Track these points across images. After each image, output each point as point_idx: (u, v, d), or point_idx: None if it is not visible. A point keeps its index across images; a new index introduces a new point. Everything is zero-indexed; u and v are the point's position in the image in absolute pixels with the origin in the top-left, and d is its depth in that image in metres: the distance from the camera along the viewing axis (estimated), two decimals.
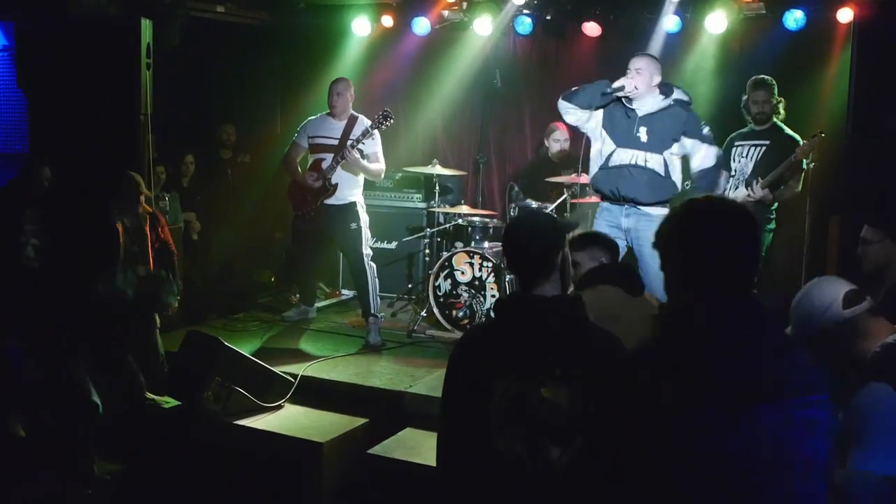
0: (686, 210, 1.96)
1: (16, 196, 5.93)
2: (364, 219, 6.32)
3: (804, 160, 5.70)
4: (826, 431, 1.85)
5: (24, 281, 5.50)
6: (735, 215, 1.92)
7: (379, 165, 6.37)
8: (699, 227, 1.91)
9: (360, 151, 6.20)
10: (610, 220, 5.10)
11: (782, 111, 5.93)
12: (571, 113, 5.21)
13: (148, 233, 5.62)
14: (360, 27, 7.77)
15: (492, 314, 2.47)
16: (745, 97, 5.99)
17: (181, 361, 5.22)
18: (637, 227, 5.02)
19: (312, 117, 6.51)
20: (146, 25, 5.96)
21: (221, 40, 7.78)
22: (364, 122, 6.28)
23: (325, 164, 6.22)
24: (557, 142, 7.11)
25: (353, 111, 6.37)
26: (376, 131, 6.20)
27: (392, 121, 6.23)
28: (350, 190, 6.29)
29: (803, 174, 5.81)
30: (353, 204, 6.29)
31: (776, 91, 5.89)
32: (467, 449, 2.34)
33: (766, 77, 5.93)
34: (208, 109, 8.03)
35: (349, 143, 6.13)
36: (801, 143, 5.76)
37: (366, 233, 6.31)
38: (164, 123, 6.48)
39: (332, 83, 6.36)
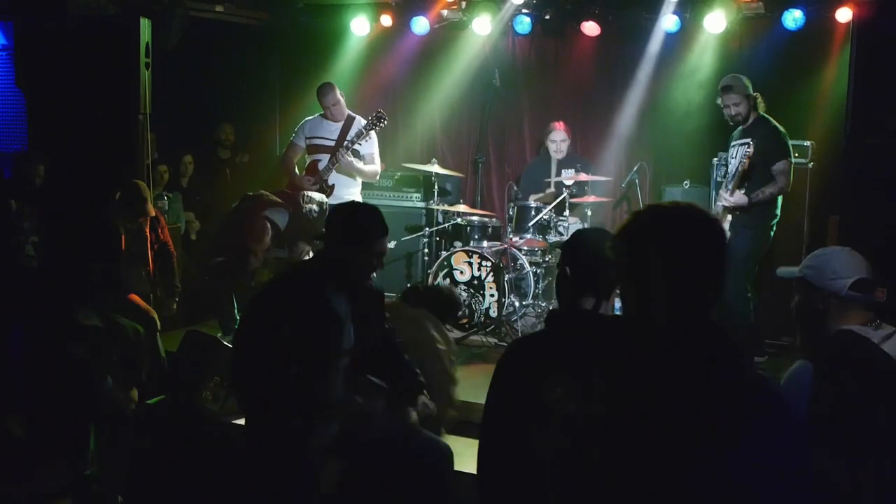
0: (657, 215, 1.83)
1: (13, 194, 5.92)
2: None
3: (779, 154, 5.49)
4: (782, 482, 1.67)
5: (25, 279, 5.49)
6: (707, 223, 1.80)
7: (374, 167, 6.39)
8: (672, 233, 1.77)
9: (356, 153, 6.21)
10: None
11: (761, 104, 5.62)
12: None
13: (147, 233, 5.62)
14: (359, 27, 7.76)
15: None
16: (718, 100, 5.73)
17: (180, 361, 5.22)
18: None
19: (310, 117, 6.52)
20: (145, 25, 5.95)
21: (220, 40, 7.78)
22: (361, 122, 6.29)
23: (321, 165, 6.24)
24: (554, 142, 7.11)
25: (349, 111, 6.38)
26: (372, 132, 6.22)
27: (385, 122, 6.25)
28: (348, 189, 6.30)
29: (789, 167, 5.52)
30: None
31: (749, 87, 5.60)
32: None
33: (732, 77, 5.67)
34: (207, 109, 8.03)
35: (344, 144, 6.16)
36: (782, 134, 5.57)
37: None
38: (162, 123, 6.48)
39: (320, 93, 6.33)
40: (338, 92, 6.36)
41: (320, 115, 6.45)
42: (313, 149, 6.35)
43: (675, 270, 1.74)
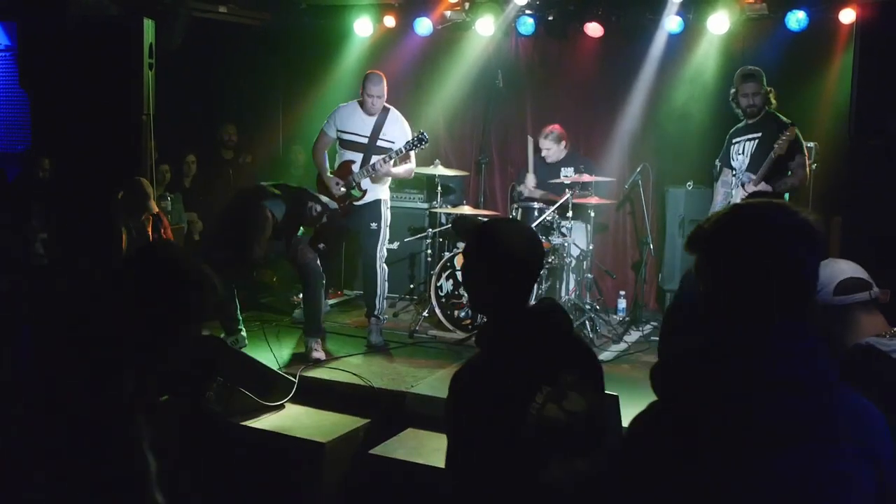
0: (749, 218, 1.66)
1: (21, 192, 5.95)
2: (386, 217, 6.22)
3: (794, 149, 5.51)
4: (862, 493, 1.50)
5: (34, 277, 5.50)
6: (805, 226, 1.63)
7: (409, 166, 6.26)
8: (765, 240, 1.59)
9: (387, 150, 6.09)
10: None
11: (773, 101, 5.70)
12: None
13: (150, 233, 5.64)
14: (362, 28, 7.77)
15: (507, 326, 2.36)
16: (733, 91, 5.77)
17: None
18: None
19: (343, 104, 6.31)
20: (148, 25, 5.96)
21: (223, 41, 7.79)
22: (395, 116, 6.13)
23: (354, 168, 6.10)
24: (548, 147, 7.12)
25: (385, 103, 6.19)
26: (402, 119, 6.11)
27: (427, 143, 6.09)
28: (377, 187, 6.19)
29: (805, 160, 5.58)
30: (378, 202, 6.19)
31: (765, 81, 5.68)
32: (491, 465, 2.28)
33: (753, 68, 5.74)
34: (210, 110, 8.04)
35: (380, 160, 6.00)
36: (790, 124, 5.58)
37: (384, 233, 6.20)
38: (166, 123, 6.48)
39: (368, 80, 6.10)
40: (384, 85, 6.12)
41: (355, 101, 6.25)
42: (345, 144, 6.17)
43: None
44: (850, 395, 1.57)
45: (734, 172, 5.75)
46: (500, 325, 2.36)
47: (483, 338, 2.42)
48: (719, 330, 1.62)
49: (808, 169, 5.59)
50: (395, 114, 6.19)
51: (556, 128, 7.13)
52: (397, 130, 6.16)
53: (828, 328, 2.45)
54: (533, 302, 2.48)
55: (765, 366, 1.53)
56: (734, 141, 5.79)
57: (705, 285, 1.65)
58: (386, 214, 6.23)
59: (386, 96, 6.16)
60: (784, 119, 5.61)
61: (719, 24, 6.69)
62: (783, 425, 1.49)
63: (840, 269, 2.52)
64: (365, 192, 6.14)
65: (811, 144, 6.34)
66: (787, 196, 5.60)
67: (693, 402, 1.56)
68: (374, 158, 6.07)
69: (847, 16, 6.36)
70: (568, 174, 6.85)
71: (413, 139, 6.05)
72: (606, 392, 3.86)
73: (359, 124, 6.16)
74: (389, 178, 6.31)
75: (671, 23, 6.89)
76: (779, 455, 1.48)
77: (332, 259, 6.77)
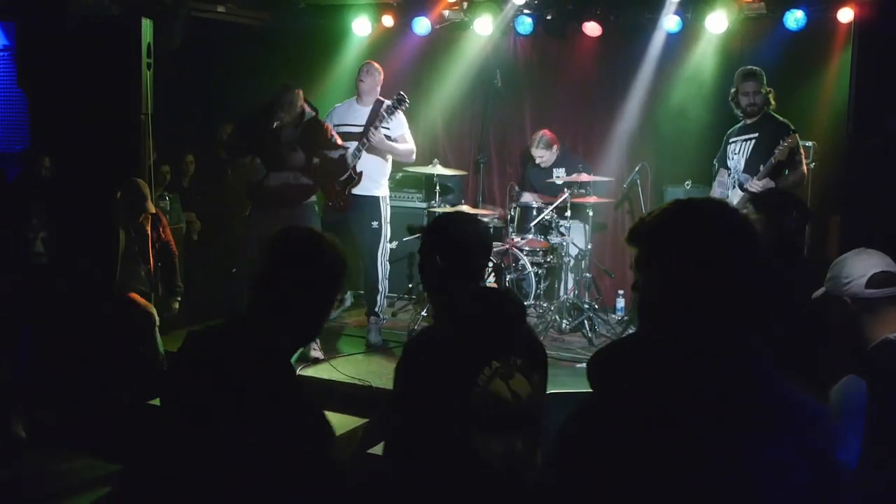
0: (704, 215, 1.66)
1: (21, 191, 5.94)
2: (386, 215, 6.21)
3: (793, 153, 5.51)
4: (797, 483, 1.51)
5: (35, 276, 5.50)
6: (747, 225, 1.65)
7: (408, 146, 6.23)
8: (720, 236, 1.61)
9: (387, 136, 6.07)
10: None
11: (773, 101, 5.67)
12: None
13: (149, 233, 5.64)
14: (361, 27, 7.77)
15: (455, 310, 2.55)
16: (733, 90, 5.73)
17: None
18: None
19: (339, 104, 6.40)
20: (147, 25, 5.96)
21: (222, 40, 7.79)
22: (387, 103, 6.12)
23: (349, 153, 6.00)
24: (541, 154, 7.13)
25: (379, 96, 6.23)
26: (399, 112, 6.06)
27: (407, 104, 6.04)
28: (375, 182, 6.15)
29: (803, 159, 5.56)
30: (377, 199, 6.17)
31: (765, 81, 5.65)
32: (444, 449, 2.36)
33: (754, 67, 5.71)
34: (209, 109, 8.03)
35: (374, 125, 5.96)
36: (791, 127, 5.58)
37: (385, 231, 6.19)
38: (164, 123, 6.48)
39: (363, 70, 6.27)
40: (378, 75, 6.22)
41: (349, 100, 6.31)
42: (343, 136, 6.11)
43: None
44: (791, 391, 1.59)
45: (730, 173, 5.75)
46: (452, 304, 2.54)
47: (437, 317, 2.71)
48: (654, 321, 1.65)
49: (805, 167, 5.60)
50: (388, 102, 6.12)
51: (545, 132, 7.15)
52: (392, 118, 6.10)
53: (855, 319, 2.47)
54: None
55: (700, 359, 1.55)
56: (731, 141, 5.78)
57: (642, 277, 1.67)
58: (386, 212, 6.22)
59: (379, 88, 6.21)
60: (781, 119, 5.59)
61: (718, 23, 6.69)
62: (721, 413, 1.51)
63: (873, 262, 2.53)
64: (360, 173, 6.03)
65: (810, 143, 6.35)
66: None
67: (631, 391, 1.57)
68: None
69: (845, 15, 6.37)
70: (560, 174, 6.85)
71: (393, 101, 5.99)
72: None
73: (354, 116, 6.20)
74: (387, 173, 6.30)
75: (670, 22, 6.90)
76: (714, 442, 1.50)
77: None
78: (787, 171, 5.52)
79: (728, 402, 1.52)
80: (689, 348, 1.56)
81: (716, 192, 5.88)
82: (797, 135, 5.48)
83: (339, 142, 5.87)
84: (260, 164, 5.70)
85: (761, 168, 5.46)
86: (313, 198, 5.96)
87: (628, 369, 1.60)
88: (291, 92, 5.65)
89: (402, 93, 6.06)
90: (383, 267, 6.17)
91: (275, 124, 5.63)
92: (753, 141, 5.63)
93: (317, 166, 5.79)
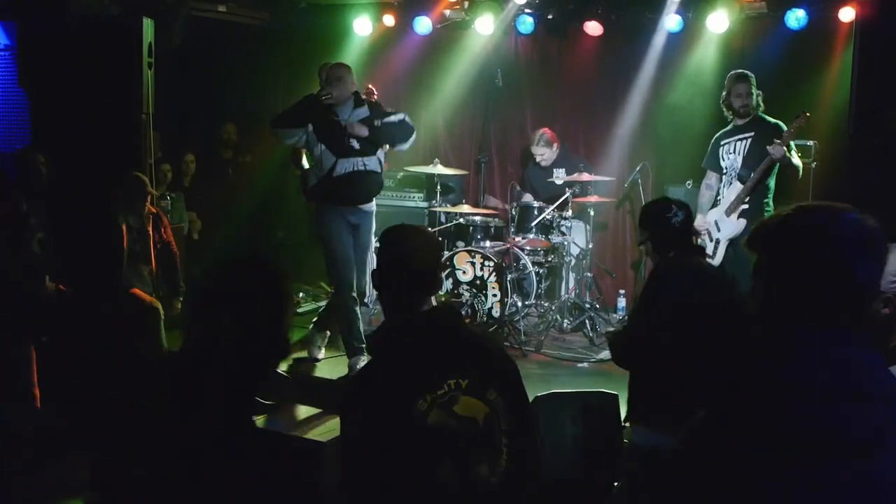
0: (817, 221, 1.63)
1: (20, 191, 5.94)
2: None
3: (790, 155, 5.50)
4: None
5: (32, 277, 5.50)
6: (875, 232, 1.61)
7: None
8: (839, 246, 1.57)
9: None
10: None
11: (762, 103, 5.65)
12: (288, 136, 5.52)
13: (150, 232, 5.63)
14: (362, 26, 7.77)
15: (391, 334, 2.35)
16: (724, 93, 5.72)
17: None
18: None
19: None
20: (148, 25, 5.96)
21: (223, 40, 7.79)
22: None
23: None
24: (542, 152, 7.12)
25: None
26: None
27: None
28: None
29: (794, 153, 5.52)
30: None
31: (755, 84, 5.65)
32: (399, 483, 2.20)
33: (745, 71, 5.72)
34: (209, 109, 8.04)
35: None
36: (784, 131, 5.54)
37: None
38: (165, 123, 6.48)
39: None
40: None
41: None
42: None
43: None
44: None
45: (724, 172, 5.74)
46: (388, 329, 2.35)
47: (372, 345, 2.45)
48: (769, 331, 1.63)
49: (798, 159, 5.57)
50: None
51: (545, 131, 7.16)
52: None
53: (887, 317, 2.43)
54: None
55: (821, 373, 1.53)
56: (723, 142, 5.78)
57: (758, 283, 1.65)
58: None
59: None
60: (771, 120, 5.58)
61: (719, 22, 6.69)
62: (856, 434, 1.48)
63: None
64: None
65: (810, 143, 6.35)
66: (772, 190, 5.57)
67: (750, 406, 1.55)
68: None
69: (846, 14, 6.36)
70: (560, 175, 6.85)
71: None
72: (605, 391, 3.90)
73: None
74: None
75: (671, 21, 6.90)
76: (848, 465, 1.46)
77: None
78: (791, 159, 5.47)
79: (866, 420, 1.50)
80: (801, 361, 1.55)
81: (704, 195, 5.91)
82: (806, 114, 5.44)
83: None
84: (326, 149, 5.46)
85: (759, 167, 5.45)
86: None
87: (746, 383, 1.58)
88: (340, 67, 5.46)
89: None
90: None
91: (323, 97, 5.36)
92: (749, 139, 5.62)
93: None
